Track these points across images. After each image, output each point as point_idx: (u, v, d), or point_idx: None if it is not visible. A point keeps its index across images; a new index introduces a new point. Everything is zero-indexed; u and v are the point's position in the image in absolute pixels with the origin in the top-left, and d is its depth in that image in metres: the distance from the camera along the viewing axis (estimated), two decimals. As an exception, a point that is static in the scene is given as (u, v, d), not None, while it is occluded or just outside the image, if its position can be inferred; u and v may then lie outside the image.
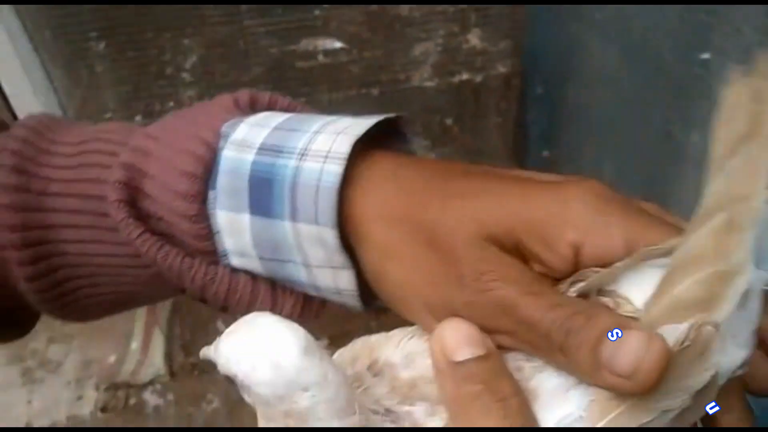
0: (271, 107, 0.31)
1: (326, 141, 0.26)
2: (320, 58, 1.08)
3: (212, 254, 0.27)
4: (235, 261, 0.27)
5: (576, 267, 0.23)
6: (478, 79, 1.23)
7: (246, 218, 0.26)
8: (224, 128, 0.28)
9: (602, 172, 1.25)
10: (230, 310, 0.28)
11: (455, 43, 1.19)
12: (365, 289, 0.27)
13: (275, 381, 0.20)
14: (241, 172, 0.26)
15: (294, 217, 0.25)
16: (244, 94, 0.30)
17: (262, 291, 0.28)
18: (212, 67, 1.09)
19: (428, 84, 1.20)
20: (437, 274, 0.23)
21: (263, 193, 0.26)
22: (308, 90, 1.10)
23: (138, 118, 1.12)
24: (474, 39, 1.20)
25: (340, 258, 0.25)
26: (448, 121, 1.37)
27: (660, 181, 1.12)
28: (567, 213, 0.23)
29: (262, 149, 0.26)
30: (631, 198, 0.25)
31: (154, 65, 1.08)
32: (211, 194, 0.27)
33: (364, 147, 0.26)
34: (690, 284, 0.19)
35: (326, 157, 0.25)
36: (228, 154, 0.27)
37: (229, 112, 0.29)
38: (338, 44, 1.07)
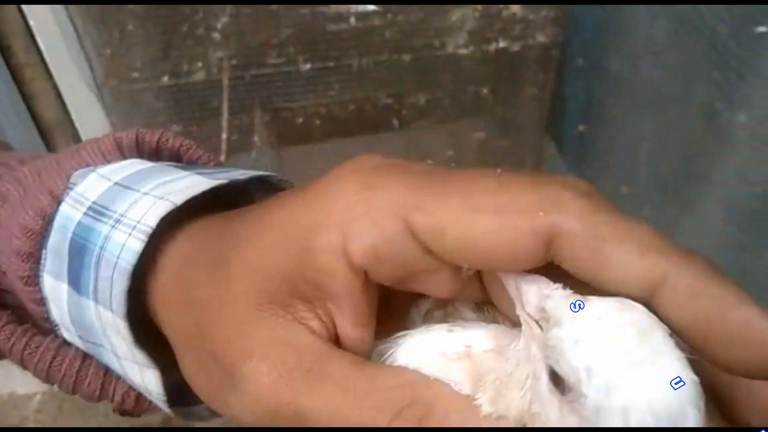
0: (158, 150, 0.27)
1: (144, 207, 0.22)
2: (352, 21, 1.05)
3: (47, 321, 0.24)
4: (65, 333, 0.24)
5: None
6: (516, 48, 1.18)
7: (64, 288, 0.23)
8: (74, 176, 0.24)
9: (638, 148, 1.19)
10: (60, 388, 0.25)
11: (495, 10, 1.14)
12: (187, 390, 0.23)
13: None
14: (66, 233, 0.23)
15: (96, 297, 0.22)
16: (130, 134, 0.26)
17: (91, 372, 0.24)
18: (242, 28, 1.07)
19: (463, 51, 1.16)
20: (212, 374, 0.20)
21: (77, 263, 0.22)
22: (336, 54, 1.07)
23: (165, 78, 1.10)
24: (514, 6, 1.15)
25: (138, 355, 0.22)
26: (483, 91, 1.33)
27: (699, 162, 1.07)
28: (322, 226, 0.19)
29: (91, 208, 0.23)
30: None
31: (185, 24, 1.06)
32: (43, 253, 0.23)
33: (195, 212, 0.23)
34: None
35: (134, 228, 0.21)
36: (63, 209, 0.23)
37: (103, 155, 0.25)
38: (372, 7, 1.04)
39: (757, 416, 0.16)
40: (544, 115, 1.34)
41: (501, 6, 1.14)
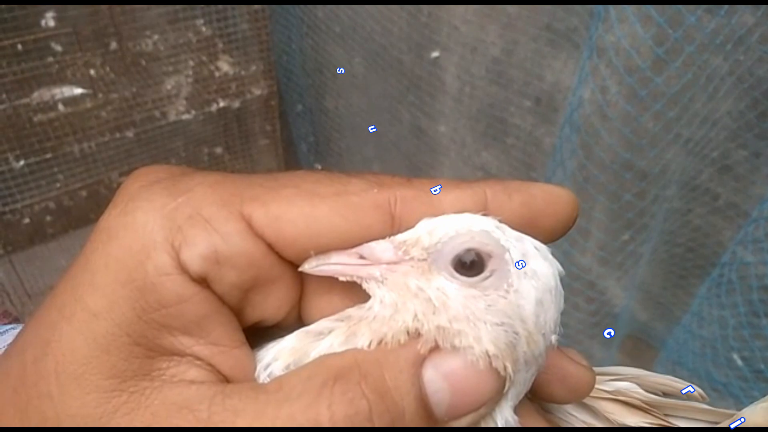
0: None
1: None
2: (60, 107, 1.00)
3: None
4: None
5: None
6: (236, 104, 1.23)
7: None
8: None
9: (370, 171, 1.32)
10: None
11: (207, 72, 1.18)
12: None
13: None
14: None
15: None
16: None
17: None
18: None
19: (186, 117, 1.17)
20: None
21: None
22: (54, 144, 1.02)
23: None
24: (225, 66, 1.20)
25: None
26: (218, 150, 1.35)
27: (421, 172, 1.23)
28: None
29: None
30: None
31: None
32: None
33: None
34: None
35: None
36: None
37: None
38: (78, 90, 1.01)
39: (563, 391, 0.20)
40: (281, 161, 1.41)
41: (212, 68, 1.18)
